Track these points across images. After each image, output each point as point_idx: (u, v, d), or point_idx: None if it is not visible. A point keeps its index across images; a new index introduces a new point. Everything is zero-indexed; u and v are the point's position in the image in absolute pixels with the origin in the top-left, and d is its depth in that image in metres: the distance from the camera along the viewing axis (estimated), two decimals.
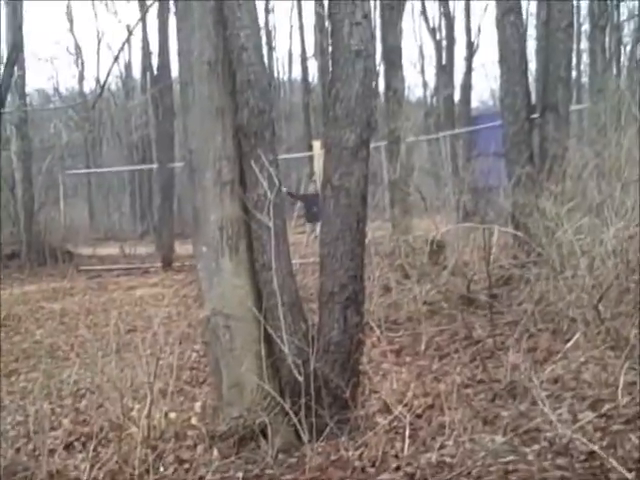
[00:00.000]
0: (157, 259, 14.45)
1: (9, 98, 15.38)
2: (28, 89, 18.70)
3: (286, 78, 37.16)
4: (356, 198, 3.89)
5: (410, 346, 5.25)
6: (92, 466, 3.76)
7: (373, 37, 4.11)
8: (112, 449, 3.98)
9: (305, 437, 3.64)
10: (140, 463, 3.63)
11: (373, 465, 3.35)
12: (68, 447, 4.30)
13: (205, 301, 4.14)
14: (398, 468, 3.25)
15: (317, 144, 17.19)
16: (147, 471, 3.61)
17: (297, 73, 35.83)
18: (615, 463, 2.78)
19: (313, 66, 31.30)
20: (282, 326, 3.89)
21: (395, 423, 3.71)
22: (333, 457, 3.50)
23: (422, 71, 35.86)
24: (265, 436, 3.75)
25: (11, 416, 4.95)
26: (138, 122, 23.82)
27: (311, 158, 18.61)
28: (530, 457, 3.09)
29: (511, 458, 3.09)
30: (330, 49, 4.02)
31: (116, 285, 11.24)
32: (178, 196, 16.07)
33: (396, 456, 3.39)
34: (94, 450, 4.02)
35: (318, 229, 13.36)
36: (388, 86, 12.41)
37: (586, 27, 25.36)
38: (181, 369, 5.31)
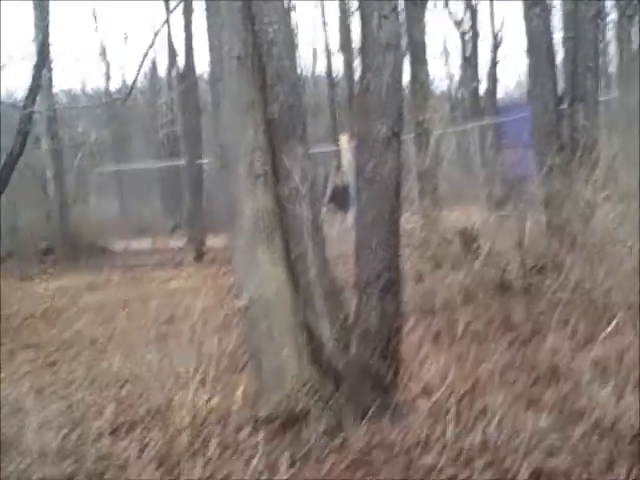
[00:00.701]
0: (189, 252, 14.57)
1: (38, 97, 15.57)
2: (55, 89, 18.89)
3: (310, 73, 37.18)
4: (389, 189, 3.91)
5: (447, 332, 5.25)
6: (140, 451, 3.83)
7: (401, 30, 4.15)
8: (157, 435, 4.06)
9: (347, 421, 3.68)
10: (187, 447, 3.70)
11: (417, 447, 3.38)
12: (113, 434, 4.33)
13: (242, 291, 4.19)
14: (442, 450, 3.28)
15: (344, 138, 17.22)
16: (193, 455, 3.67)
17: (321, 68, 35.83)
18: None
19: (337, 61, 31.30)
20: (320, 313, 3.94)
21: (437, 406, 3.75)
22: (376, 440, 3.52)
23: (446, 63, 35.72)
24: (308, 420, 3.79)
25: (55, 404, 5.03)
26: (164, 119, 23.99)
27: (337, 152, 18.63)
28: (575, 438, 3.10)
29: (556, 438, 3.11)
30: (360, 42, 4.06)
31: (150, 278, 11.29)
32: (207, 191, 16.22)
33: (439, 439, 3.41)
34: (139, 436, 4.10)
35: (348, 219, 13.38)
36: (414, 79, 12.43)
37: (613, 16, 25.04)
38: (219, 357, 5.35)
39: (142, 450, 3.88)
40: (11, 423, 4.48)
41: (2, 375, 5.83)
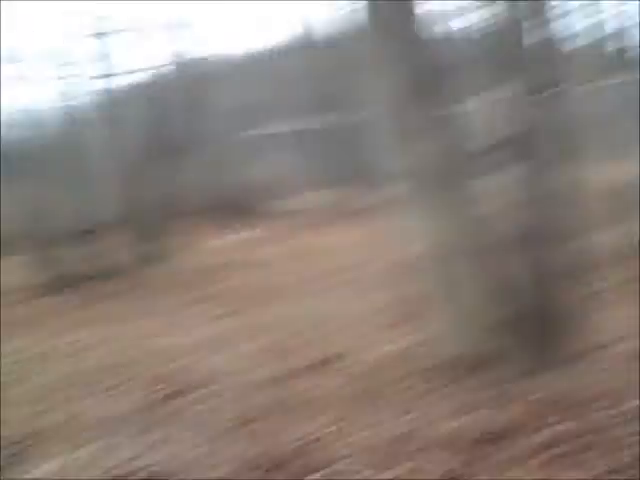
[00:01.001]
0: (350, 206, 14.44)
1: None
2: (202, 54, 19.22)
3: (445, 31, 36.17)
4: (548, 141, 3.94)
5: (626, 284, 5.04)
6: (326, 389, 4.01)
7: None
8: (339, 377, 4.26)
9: (529, 368, 3.68)
10: (372, 390, 3.88)
11: (595, 400, 3.30)
12: (297, 376, 4.47)
13: (421, 238, 4.29)
14: (617, 403, 3.20)
15: (488, 95, 16.69)
16: (379, 397, 3.81)
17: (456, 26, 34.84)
18: None
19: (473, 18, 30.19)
20: (503, 260, 3.96)
21: (616, 357, 3.71)
22: (558, 388, 3.48)
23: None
24: (491, 366, 3.82)
25: (237, 350, 5.28)
26: (321, 75, 23.82)
27: (481, 109, 18.05)
28: None
29: None
30: None
31: (312, 232, 11.57)
32: (361, 146, 16.20)
33: (621, 391, 3.32)
34: (319, 377, 4.31)
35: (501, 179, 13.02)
36: (555, 34, 11.93)
37: None
38: (394, 304, 5.44)
39: (328, 389, 4.07)
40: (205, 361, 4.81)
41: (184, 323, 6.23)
